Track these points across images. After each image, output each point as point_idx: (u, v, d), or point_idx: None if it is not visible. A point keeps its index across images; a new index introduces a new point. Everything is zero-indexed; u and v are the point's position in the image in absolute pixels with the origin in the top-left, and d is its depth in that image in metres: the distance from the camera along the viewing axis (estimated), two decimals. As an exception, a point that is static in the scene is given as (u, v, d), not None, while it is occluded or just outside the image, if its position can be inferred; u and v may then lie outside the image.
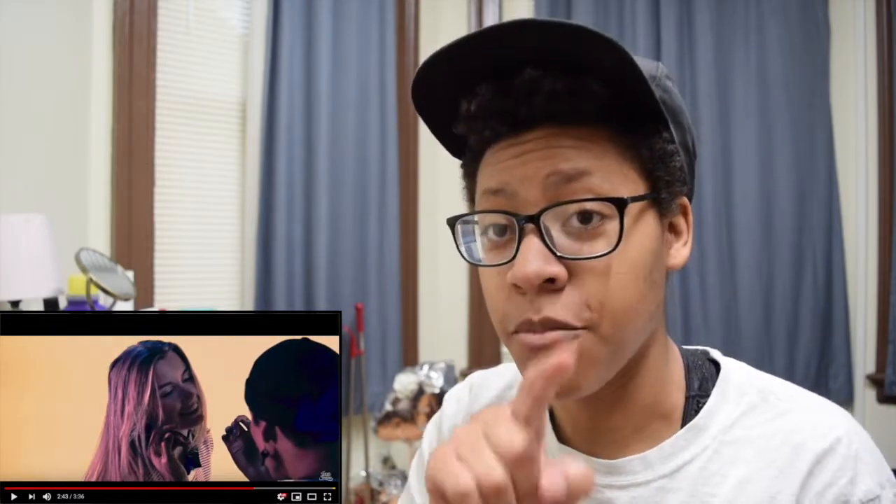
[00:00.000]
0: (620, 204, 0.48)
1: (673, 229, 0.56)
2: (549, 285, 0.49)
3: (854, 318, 2.56)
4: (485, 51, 0.49)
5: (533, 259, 0.48)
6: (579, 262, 0.49)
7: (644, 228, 0.51)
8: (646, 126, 0.52)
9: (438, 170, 2.83)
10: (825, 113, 2.56)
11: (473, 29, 2.85)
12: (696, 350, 0.63)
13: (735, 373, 0.59)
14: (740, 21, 2.60)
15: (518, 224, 0.49)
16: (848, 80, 2.56)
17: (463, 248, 0.54)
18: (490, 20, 2.86)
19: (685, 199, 0.56)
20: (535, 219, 0.49)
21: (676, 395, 0.57)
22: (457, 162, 0.61)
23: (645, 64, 0.54)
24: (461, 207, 0.57)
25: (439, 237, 2.80)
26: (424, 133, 2.76)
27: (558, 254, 0.49)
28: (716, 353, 0.62)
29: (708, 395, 0.57)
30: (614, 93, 0.49)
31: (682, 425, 0.56)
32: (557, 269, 0.48)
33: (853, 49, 2.55)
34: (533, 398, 0.38)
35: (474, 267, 0.54)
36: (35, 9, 1.84)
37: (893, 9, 2.47)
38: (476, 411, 0.67)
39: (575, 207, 0.49)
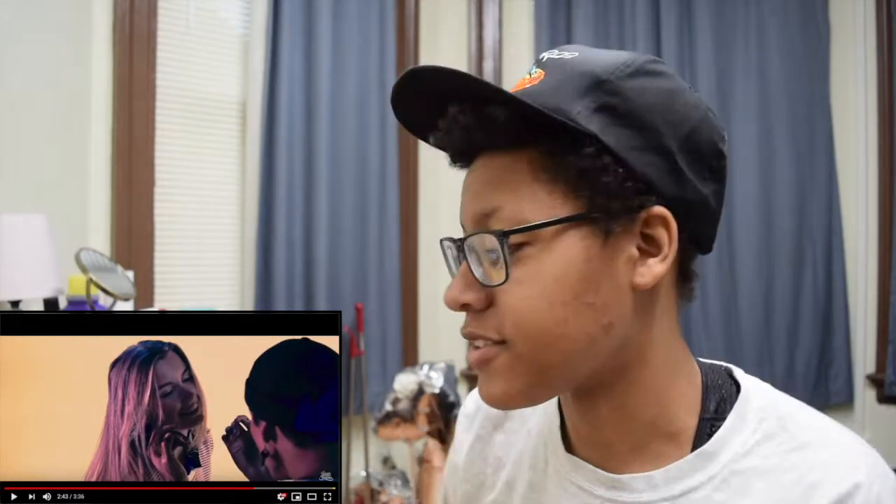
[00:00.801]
0: (500, 236, 0.51)
1: (652, 242, 0.52)
2: (469, 308, 0.53)
3: (854, 318, 2.56)
4: (420, 92, 0.54)
5: (453, 286, 0.53)
6: (494, 288, 0.52)
7: (563, 252, 0.50)
8: (566, 143, 0.50)
9: (438, 170, 2.82)
10: (825, 113, 2.57)
11: (473, 29, 2.86)
12: (720, 367, 0.60)
13: (756, 397, 0.55)
14: (740, 21, 2.60)
15: (455, 251, 0.56)
16: (848, 80, 2.56)
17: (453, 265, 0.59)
18: (490, 20, 2.86)
19: (660, 210, 0.51)
20: (461, 246, 0.54)
21: (686, 416, 0.55)
22: (456, 162, 0.62)
23: (601, 61, 0.52)
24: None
25: (439, 237, 2.80)
26: (424, 133, 2.76)
27: (479, 280, 0.52)
28: (738, 373, 0.59)
29: (723, 419, 0.54)
30: (525, 118, 0.50)
31: (694, 448, 0.54)
32: (470, 297, 0.52)
33: (853, 49, 2.55)
34: None
35: None
36: (35, 9, 1.84)
37: (893, 9, 2.47)
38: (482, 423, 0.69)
39: (482, 239, 0.52)
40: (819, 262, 2.56)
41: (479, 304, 0.52)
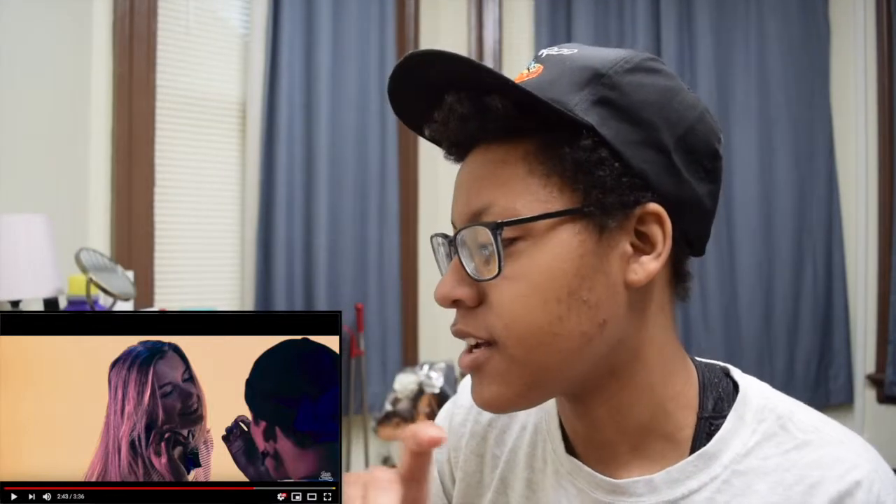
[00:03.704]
0: (493, 228, 0.49)
1: (646, 239, 0.52)
2: (461, 304, 0.52)
3: (854, 318, 2.56)
4: (417, 81, 0.52)
5: (445, 282, 0.52)
6: (487, 283, 0.51)
7: (557, 247, 0.49)
8: (563, 135, 0.49)
9: (438, 170, 2.83)
10: (825, 113, 2.56)
11: (473, 30, 2.86)
12: (715, 366, 0.60)
13: (754, 396, 0.55)
14: (740, 21, 2.60)
15: (447, 247, 0.56)
16: (848, 80, 2.56)
17: (442, 263, 0.59)
18: (490, 20, 2.86)
19: (654, 206, 0.50)
20: (452, 242, 0.53)
21: (684, 415, 0.54)
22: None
23: (600, 57, 0.52)
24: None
25: (439, 237, 2.81)
26: (424, 133, 2.76)
27: (470, 275, 0.51)
28: (736, 372, 0.58)
29: (722, 417, 0.54)
30: (522, 108, 0.49)
31: (693, 448, 0.54)
32: (463, 292, 0.51)
33: (853, 49, 2.55)
34: (411, 458, 0.43)
35: None
36: (35, 9, 1.84)
37: (893, 9, 2.47)
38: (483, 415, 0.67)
39: (474, 233, 0.51)
40: (819, 262, 2.56)
41: (470, 301, 0.51)
